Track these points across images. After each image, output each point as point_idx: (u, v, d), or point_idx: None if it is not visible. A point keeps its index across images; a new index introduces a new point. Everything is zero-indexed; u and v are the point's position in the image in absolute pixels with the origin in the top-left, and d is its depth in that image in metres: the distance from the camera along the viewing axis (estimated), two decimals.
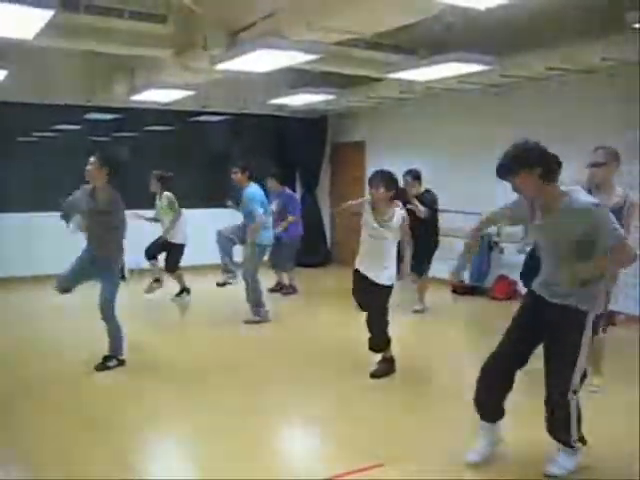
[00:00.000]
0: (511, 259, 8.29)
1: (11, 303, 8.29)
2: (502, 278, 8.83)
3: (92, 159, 5.39)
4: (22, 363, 5.68)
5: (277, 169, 9.17)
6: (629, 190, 4.83)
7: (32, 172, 9.68)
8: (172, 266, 8.22)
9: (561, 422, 3.50)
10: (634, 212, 4.69)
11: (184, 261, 8.17)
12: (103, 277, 5.38)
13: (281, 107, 10.51)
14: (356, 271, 5.35)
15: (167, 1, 6.12)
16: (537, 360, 3.54)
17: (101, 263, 5.36)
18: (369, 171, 11.14)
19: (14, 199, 9.60)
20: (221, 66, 6.24)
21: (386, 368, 5.34)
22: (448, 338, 6.73)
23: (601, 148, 4.80)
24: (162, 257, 8.25)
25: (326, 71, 7.87)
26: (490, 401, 3.63)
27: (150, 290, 8.30)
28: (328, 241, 12.10)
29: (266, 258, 7.85)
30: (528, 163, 3.27)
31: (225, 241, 7.48)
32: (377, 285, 5.23)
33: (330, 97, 9.25)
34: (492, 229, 8.67)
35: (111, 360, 5.50)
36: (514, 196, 3.50)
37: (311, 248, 11.50)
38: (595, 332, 3.60)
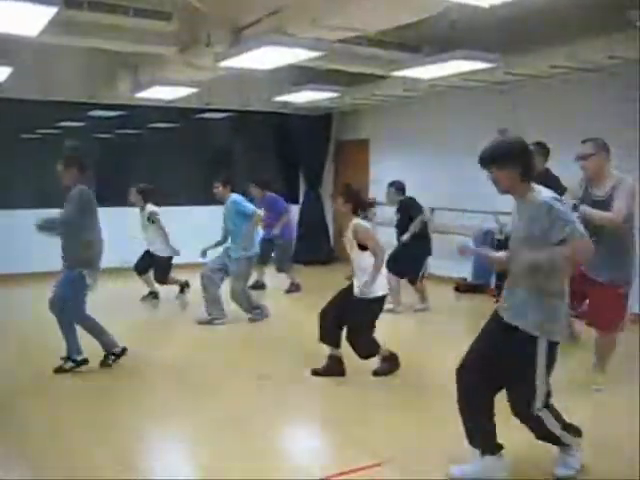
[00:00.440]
0: None
1: (22, 299, 8.33)
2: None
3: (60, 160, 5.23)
4: (24, 361, 5.69)
5: (257, 175, 9.12)
6: (628, 175, 4.79)
7: (36, 169, 9.69)
8: (161, 279, 8.14)
9: (542, 432, 3.42)
10: (624, 189, 4.59)
11: (187, 259, 8.12)
12: (64, 274, 5.25)
13: (285, 104, 10.51)
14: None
15: None
16: None
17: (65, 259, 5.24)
18: (373, 169, 11.26)
19: (18, 196, 9.62)
20: (225, 63, 6.23)
21: (389, 366, 5.29)
22: (449, 337, 6.70)
23: (589, 140, 4.77)
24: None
25: (330, 68, 7.87)
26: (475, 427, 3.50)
27: (144, 300, 8.27)
28: (331, 239, 12.10)
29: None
30: (511, 160, 3.25)
31: (209, 282, 7.10)
32: (356, 299, 5.11)
33: (334, 95, 9.25)
34: (495, 226, 8.66)
35: (67, 362, 5.30)
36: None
37: (314, 246, 11.52)
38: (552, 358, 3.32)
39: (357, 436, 4.16)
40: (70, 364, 5.29)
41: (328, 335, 5.26)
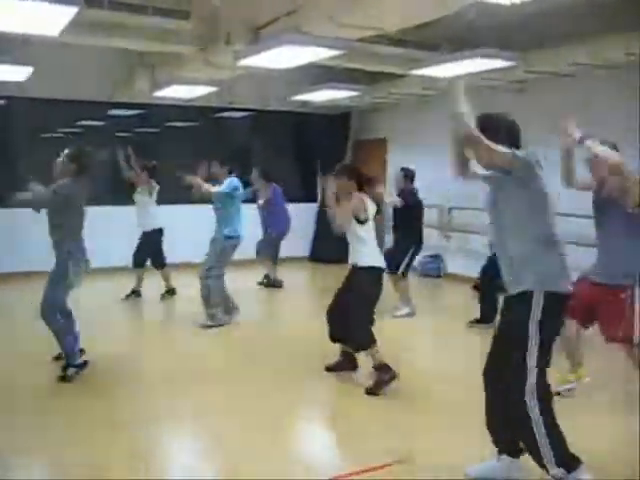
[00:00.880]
0: None
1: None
2: None
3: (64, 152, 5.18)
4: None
5: (262, 166, 9.19)
6: None
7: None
8: (159, 261, 8.15)
9: (526, 438, 3.14)
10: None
11: (190, 257, 8.12)
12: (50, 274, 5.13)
13: (304, 103, 10.51)
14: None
15: None
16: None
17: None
18: (391, 168, 11.22)
19: None
20: (244, 62, 6.25)
21: (383, 377, 4.87)
22: (467, 336, 6.69)
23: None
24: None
25: (349, 67, 7.86)
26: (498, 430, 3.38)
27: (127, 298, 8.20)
28: None
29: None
30: (488, 134, 3.14)
31: (207, 288, 6.77)
32: (356, 268, 5.06)
33: (353, 93, 9.24)
34: None
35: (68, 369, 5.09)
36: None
37: (331, 244, 11.48)
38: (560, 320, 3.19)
39: (368, 435, 4.16)
40: (72, 370, 5.08)
41: (338, 332, 5.16)
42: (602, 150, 4.03)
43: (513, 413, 3.14)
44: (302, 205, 11.69)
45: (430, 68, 7.02)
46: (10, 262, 8.82)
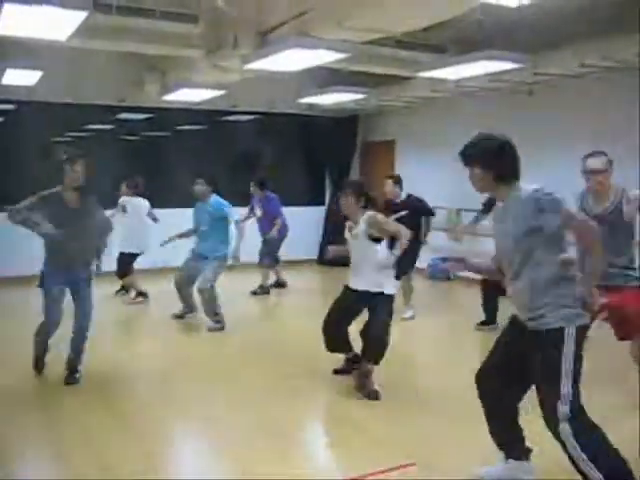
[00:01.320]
0: None
1: None
2: None
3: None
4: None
5: (259, 175, 9.14)
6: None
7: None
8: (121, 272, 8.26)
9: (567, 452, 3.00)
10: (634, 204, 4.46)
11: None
12: None
13: (311, 106, 10.53)
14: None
15: (198, 1, 6.17)
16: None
17: None
18: (399, 170, 11.21)
19: None
20: (251, 65, 6.26)
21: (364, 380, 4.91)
22: (479, 339, 6.67)
23: (598, 153, 4.61)
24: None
25: (356, 70, 7.86)
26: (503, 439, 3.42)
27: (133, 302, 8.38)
28: None
29: None
30: (483, 161, 3.15)
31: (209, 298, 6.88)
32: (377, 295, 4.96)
33: (360, 96, 9.24)
34: None
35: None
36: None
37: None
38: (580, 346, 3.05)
39: (390, 435, 4.17)
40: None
41: (337, 345, 5.15)
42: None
43: (552, 431, 3.03)
44: (310, 208, 11.72)
45: (438, 70, 7.01)
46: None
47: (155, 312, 8.09)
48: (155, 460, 3.84)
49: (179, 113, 10.53)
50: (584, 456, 2.89)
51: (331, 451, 4.21)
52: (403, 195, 7.52)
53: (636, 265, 4.64)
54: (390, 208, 7.07)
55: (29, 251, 5.10)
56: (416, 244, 7.35)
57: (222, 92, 8.53)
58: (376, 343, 4.86)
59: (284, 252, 9.29)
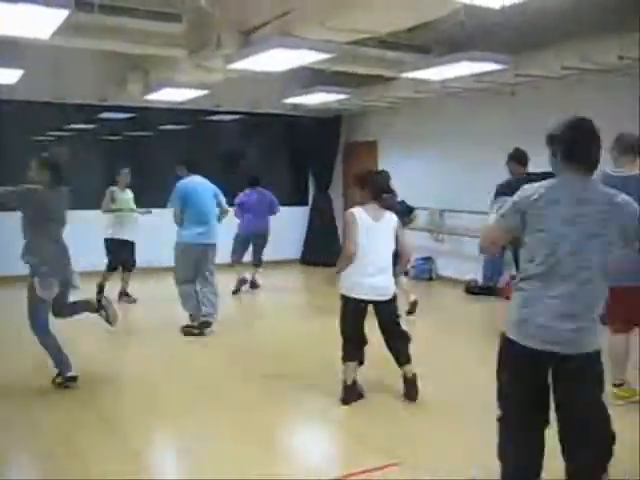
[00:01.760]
0: None
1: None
2: (515, 278, 8.76)
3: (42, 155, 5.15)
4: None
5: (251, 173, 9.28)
6: None
7: None
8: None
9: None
10: None
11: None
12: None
13: (295, 106, 10.53)
14: None
15: (181, 1, 6.15)
16: None
17: None
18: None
19: None
20: (234, 65, 6.25)
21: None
22: (463, 339, 6.70)
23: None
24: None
25: (340, 70, 7.87)
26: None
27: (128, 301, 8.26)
28: (340, 240, 12.10)
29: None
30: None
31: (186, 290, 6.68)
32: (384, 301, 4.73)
33: (344, 96, 9.25)
34: None
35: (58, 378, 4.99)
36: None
37: (322, 247, 11.51)
38: None
39: (374, 435, 4.17)
40: (60, 379, 5.00)
41: (352, 354, 4.75)
42: None
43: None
44: (293, 208, 11.70)
45: (421, 71, 7.04)
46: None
47: (142, 314, 8.06)
48: (140, 462, 3.83)
49: (162, 113, 10.49)
50: None
51: (313, 452, 4.20)
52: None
53: None
54: None
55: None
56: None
57: (205, 92, 8.51)
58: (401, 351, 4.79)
59: (267, 252, 9.31)
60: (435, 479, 3.53)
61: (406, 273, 7.42)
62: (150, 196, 8.94)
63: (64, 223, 5.04)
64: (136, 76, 8.80)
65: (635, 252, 2.85)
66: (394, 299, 4.78)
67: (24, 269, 4.93)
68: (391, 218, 4.72)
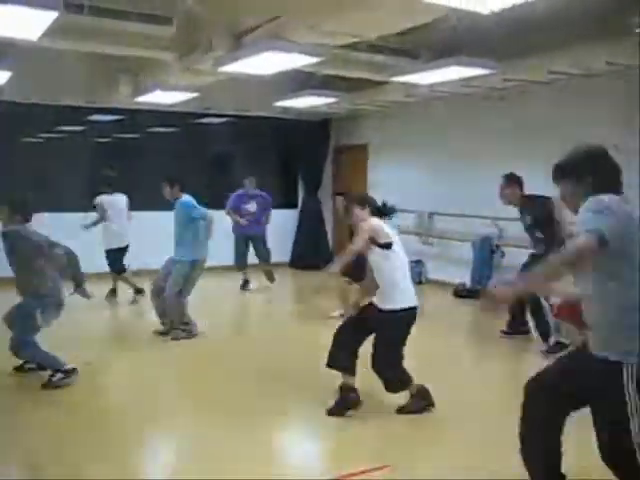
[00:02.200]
0: (513, 262, 8.29)
1: None
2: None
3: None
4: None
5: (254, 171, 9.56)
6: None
7: (36, 172, 9.70)
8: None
9: None
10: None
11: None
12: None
13: (285, 109, 10.53)
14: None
15: (172, 3, 6.14)
16: None
17: None
18: (371, 174, 11.28)
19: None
20: (224, 68, 6.26)
21: (419, 403, 4.58)
22: (452, 343, 6.71)
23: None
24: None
25: (330, 74, 7.88)
26: None
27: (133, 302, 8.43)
28: (330, 243, 12.12)
29: None
30: (576, 171, 2.83)
31: (156, 291, 6.70)
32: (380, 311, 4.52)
33: (333, 100, 9.27)
34: (494, 231, 8.68)
35: (54, 376, 5.05)
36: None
37: (312, 250, 11.52)
38: None
39: (365, 438, 4.19)
40: (58, 376, 5.04)
41: (339, 359, 4.58)
42: None
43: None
44: (282, 211, 11.69)
45: (410, 75, 7.07)
46: None
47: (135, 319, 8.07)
48: (131, 463, 3.82)
49: (152, 115, 10.46)
50: None
51: (304, 453, 4.22)
52: None
53: None
54: None
55: None
56: None
57: (195, 94, 8.49)
58: (383, 373, 4.57)
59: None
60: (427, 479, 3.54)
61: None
62: (137, 199, 8.92)
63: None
64: (126, 78, 8.77)
65: None
66: None
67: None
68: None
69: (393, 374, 4.49)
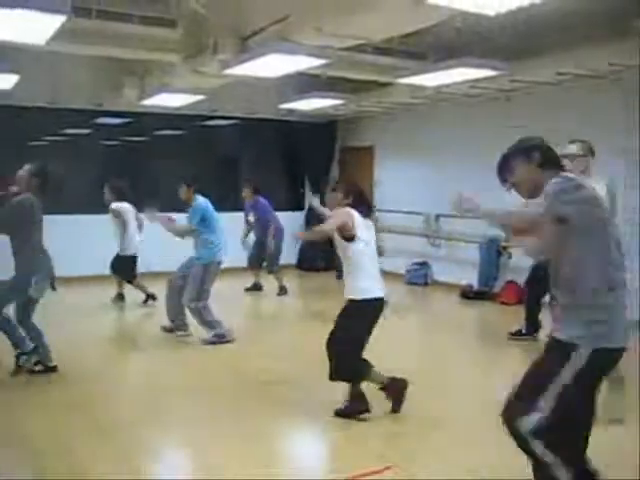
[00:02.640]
0: (519, 264, 8.27)
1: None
2: (510, 283, 8.81)
3: (27, 166, 5.45)
4: None
5: (251, 177, 9.47)
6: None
7: None
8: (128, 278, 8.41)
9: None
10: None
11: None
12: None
13: (291, 112, 10.54)
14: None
15: (177, 6, 6.16)
16: None
17: None
18: (377, 175, 11.27)
19: None
20: (230, 71, 6.26)
21: (354, 407, 4.50)
22: (459, 344, 6.70)
23: (577, 141, 4.83)
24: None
25: (336, 76, 7.89)
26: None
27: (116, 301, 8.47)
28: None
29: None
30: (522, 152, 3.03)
31: (170, 290, 6.71)
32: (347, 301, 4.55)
33: (340, 102, 9.27)
34: (500, 233, 8.65)
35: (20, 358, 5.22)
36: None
37: (317, 252, 11.52)
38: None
39: (368, 438, 4.18)
40: (23, 359, 5.21)
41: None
42: None
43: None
44: (289, 214, 11.69)
45: (417, 77, 7.06)
46: None
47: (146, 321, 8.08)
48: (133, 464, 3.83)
49: (158, 118, 10.47)
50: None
51: (306, 454, 4.22)
52: None
53: None
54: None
55: None
56: None
57: (201, 97, 8.51)
58: (335, 359, 4.54)
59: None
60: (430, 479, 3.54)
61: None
62: (144, 202, 8.92)
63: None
64: (132, 81, 8.80)
65: None
66: None
67: None
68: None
69: (343, 362, 4.42)
